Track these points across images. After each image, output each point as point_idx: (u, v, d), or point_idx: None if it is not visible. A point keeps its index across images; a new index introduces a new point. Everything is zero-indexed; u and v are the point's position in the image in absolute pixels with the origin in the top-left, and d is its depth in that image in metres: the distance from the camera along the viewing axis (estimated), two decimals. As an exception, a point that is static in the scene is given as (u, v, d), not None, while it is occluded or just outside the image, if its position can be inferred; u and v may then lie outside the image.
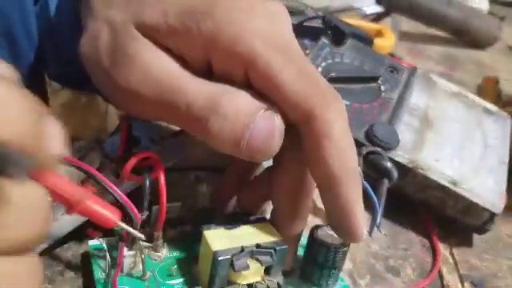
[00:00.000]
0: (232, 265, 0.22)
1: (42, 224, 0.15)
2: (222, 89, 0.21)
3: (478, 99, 0.44)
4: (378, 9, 0.66)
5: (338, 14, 0.57)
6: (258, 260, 0.23)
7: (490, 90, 0.52)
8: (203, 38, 0.21)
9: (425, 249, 0.33)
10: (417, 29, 0.64)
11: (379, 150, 0.33)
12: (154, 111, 0.23)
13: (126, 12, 0.22)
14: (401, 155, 0.34)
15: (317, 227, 0.26)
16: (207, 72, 0.22)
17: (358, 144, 0.33)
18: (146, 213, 0.24)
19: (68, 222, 0.25)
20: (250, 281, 0.23)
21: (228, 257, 0.22)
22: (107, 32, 0.22)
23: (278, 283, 0.24)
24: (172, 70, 0.22)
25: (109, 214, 0.21)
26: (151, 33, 0.22)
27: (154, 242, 0.25)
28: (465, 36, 0.63)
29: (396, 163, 0.33)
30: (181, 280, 0.24)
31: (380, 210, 0.29)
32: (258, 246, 0.23)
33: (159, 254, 0.25)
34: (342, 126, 0.22)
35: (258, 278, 0.23)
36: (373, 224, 0.29)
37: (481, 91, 0.51)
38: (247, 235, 0.23)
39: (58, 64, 0.33)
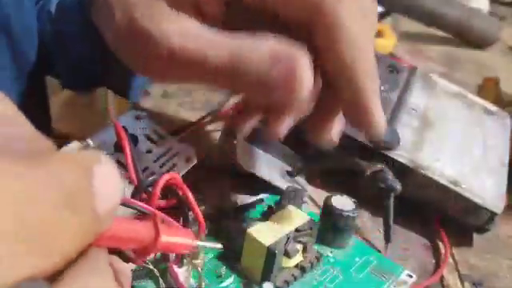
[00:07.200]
0: (287, 253, 0.24)
1: None
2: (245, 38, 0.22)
3: (478, 99, 0.44)
4: (379, 9, 0.66)
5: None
6: (300, 242, 0.25)
7: (490, 90, 0.52)
8: None
9: (425, 248, 0.33)
10: (417, 29, 0.64)
11: (382, 166, 0.33)
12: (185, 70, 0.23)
13: None
14: (401, 155, 0.34)
15: (329, 197, 0.29)
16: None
17: (360, 146, 0.34)
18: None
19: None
20: (295, 262, 0.26)
21: (281, 248, 0.24)
22: None
23: (316, 256, 0.26)
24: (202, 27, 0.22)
25: (187, 240, 0.20)
26: None
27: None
28: (465, 36, 0.63)
29: (396, 163, 0.33)
30: (231, 279, 0.25)
31: (391, 225, 0.31)
32: (296, 230, 0.25)
33: (199, 260, 0.25)
34: (352, 9, 0.21)
35: (300, 258, 0.26)
36: (387, 237, 0.31)
37: (481, 91, 0.51)
38: (282, 224, 0.25)
39: (67, 70, 0.33)
